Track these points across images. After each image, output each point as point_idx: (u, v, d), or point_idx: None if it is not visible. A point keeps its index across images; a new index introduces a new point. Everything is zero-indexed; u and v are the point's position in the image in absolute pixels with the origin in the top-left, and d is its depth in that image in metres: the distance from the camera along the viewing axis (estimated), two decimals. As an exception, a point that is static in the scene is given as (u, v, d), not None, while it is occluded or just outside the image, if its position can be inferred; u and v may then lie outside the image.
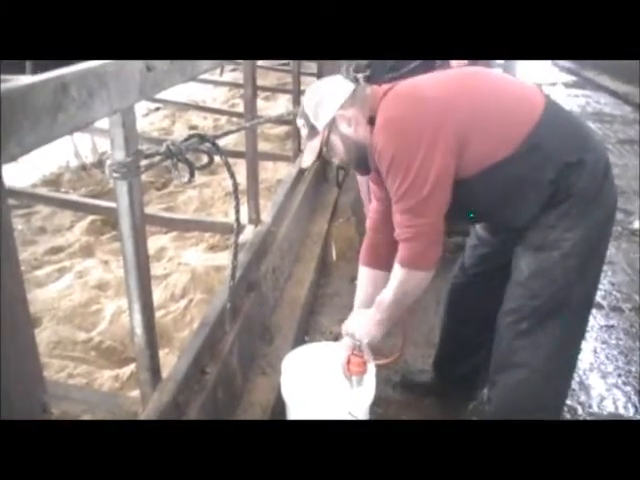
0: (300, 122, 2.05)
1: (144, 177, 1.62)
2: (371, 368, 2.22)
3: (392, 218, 2.07)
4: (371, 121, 1.93)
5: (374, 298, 2.23)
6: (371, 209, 2.31)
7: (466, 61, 3.07)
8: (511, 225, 2.02)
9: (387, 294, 2.01)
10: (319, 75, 4.90)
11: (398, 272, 1.94)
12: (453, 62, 3.12)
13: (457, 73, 1.98)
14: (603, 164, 1.92)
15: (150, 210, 4.05)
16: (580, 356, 2.18)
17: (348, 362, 2.20)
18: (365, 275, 2.26)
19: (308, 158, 2.06)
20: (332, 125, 1.97)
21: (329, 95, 1.98)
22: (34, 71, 3.75)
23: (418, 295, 2.01)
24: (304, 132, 2.04)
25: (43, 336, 2.70)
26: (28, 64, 3.93)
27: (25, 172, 4.88)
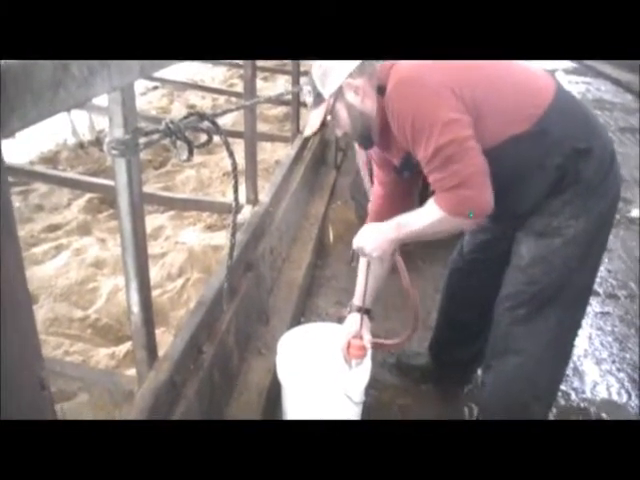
0: (306, 89, 2.01)
1: (142, 156, 1.61)
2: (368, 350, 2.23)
3: (396, 200, 2.05)
4: (380, 90, 1.89)
5: (376, 283, 2.24)
6: (374, 194, 2.30)
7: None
8: (515, 210, 2.00)
9: (412, 222, 1.91)
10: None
11: (436, 212, 1.82)
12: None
13: None
14: (609, 153, 1.92)
15: (148, 189, 4.04)
16: (575, 342, 2.19)
17: (348, 346, 2.21)
18: (366, 258, 2.24)
19: (311, 126, 2.02)
20: (339, 94, 1.92)
21: (337, 64, 1.93)
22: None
23: (448, 235, 1.96)
24: (309, 100, 2.00)
25: (40, 313, 2.70)
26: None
27: (22, 149, 4.86)
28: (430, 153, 1.76)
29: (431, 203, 1.83)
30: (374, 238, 1.98)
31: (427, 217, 1.85)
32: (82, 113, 5.25)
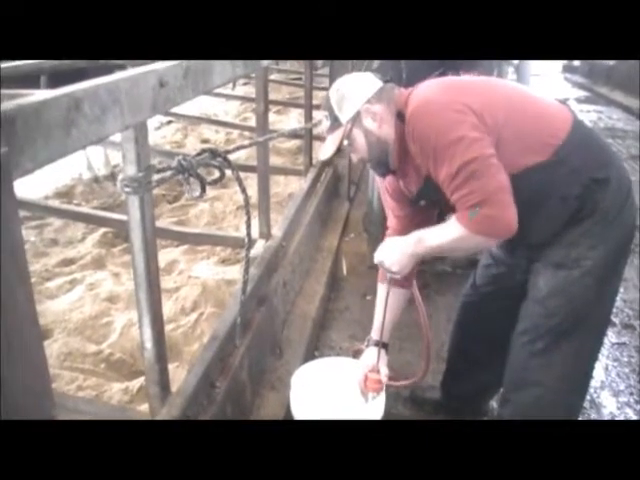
0: (323, 114, 2.02)
1: (156, 190, 1.63)
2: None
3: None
4: (400, 116, 1.90)
5: (393, 316, 2.23)
6: (389, 227, 2.30)
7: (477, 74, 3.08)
8: (533, 240, 2.00)
9: (433, 237, 1.90)
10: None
11: (458, 229, 1.79)
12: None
13: (489, 79, 1.96)
14: (626, 184, 1.93)
15: (162, 223, 4.06)
16: (592, 373, 2.17)
17: (365, 379, 2.20)
18: (384, 292, 2.23)
19: (327, 150, 2.01)
20: (356, 119, 1.94)
21: (356, 89, 1.96)
22: (49, 86, 3.79)
23: (468, 253, 1.95)
24: (326, 124, 2.01)
25: (54, 348, 2.70)
26: (43, 79, 3.96)
27: (38, 184, 4.91)
28: (454, 170, 1.73)
29: (453, 220, 1.81)
30: (394, 252, 1.99)
31: (449, 234, 1.83)
32: (97, 148, 5.30)
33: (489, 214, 1.73)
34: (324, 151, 2.04)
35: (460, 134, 1.73)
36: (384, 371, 2.21)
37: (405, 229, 2.21)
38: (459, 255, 1.99)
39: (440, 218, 2.13)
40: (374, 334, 2.27)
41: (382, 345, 2.24)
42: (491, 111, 1.80)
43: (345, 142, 1.97)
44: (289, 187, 5.12)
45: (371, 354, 2.24)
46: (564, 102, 2.03)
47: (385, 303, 2.19)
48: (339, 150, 2.01)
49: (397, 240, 2.02)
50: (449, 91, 1.86)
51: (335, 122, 1.97)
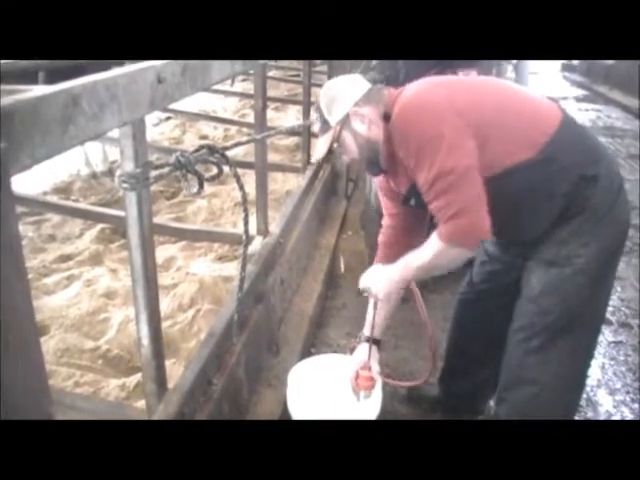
0: (314, 116, 2.05)
1: (154, 187, 1.62)
2: (378, 382, 2.22)
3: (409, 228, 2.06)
4: (386, 117, 1.91)
5: (386, 313, 2.23)
6: (383, 224, 2.31)
7: (475, 73, 3.07)
8: (523, 238, 2.01)
9: (417, 259, 1.90)
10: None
11: (437, 245, 1.82)
12: (461, 75, 3.10)
13: (479, 78, 1.97)
14: (617, 180, 1.92)
15: (159, 219, 4.06)
16: (588, 371, 2.17)
17: (356, 377, 2.19)
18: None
19: (319, 152, 2.05)
20: (345, 121, 1.96)
21: (344, 92, 1.98)
22: (47, 82, 3.78)
23: (450, 269, 1.96)
24: (317, 126, 2.04)
25: (51, 344, 2.70)
26: (41, 74, 3.94)
27: (36, 180, 4.91)
28: (432, 178, 1.76)
29: (433, 236, 1.84)
30: (380, 279, 2.03)
31: (429, 251, 1.85)
32: (95, 144, 5.29)
33: (462, 223, 1.76)
34: (315, 153, 2.08)
35: (441, 141, 1.74)
36: (375, 368, 2.20)
37: (399, 227, 2.24)
38: (446, 271, 2.01)
39: (432, 218, 2.14)
40: (366, 330, 2.27)
41: (374, 342, 2.23)
42: (478, 110, 1.83)
43: (335, 145, 2.00)
44: (287, 184, 5.12)
45: (362, 351, 2.23)
46: (554, 100, 2.03)
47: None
48: (330, 152, 2.03)
49: (384, 267, 2.06)
50: (436, 90, 1.88)
51: (325, 125, 2.00)
